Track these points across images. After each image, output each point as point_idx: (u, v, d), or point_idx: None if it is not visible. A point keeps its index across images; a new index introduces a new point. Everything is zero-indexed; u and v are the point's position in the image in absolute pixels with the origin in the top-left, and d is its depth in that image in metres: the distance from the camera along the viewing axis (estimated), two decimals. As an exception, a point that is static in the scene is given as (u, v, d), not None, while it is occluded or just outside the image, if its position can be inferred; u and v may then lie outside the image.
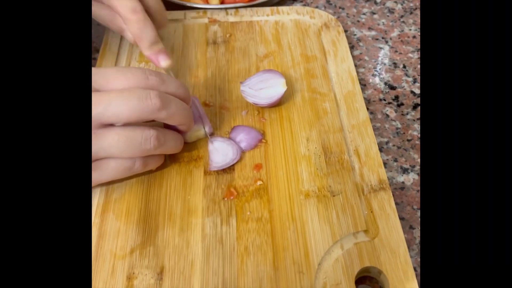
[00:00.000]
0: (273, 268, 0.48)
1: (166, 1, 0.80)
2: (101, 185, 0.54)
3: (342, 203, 0.54)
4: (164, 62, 0.59)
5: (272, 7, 0.78)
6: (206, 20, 0.76)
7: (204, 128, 0.59)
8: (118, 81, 0.49)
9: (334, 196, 0.54)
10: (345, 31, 0.78)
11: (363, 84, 0.71)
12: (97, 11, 0.61)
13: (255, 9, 0.78)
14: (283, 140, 0.60)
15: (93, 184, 0.51)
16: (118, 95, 0.47)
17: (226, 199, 0.53)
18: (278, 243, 0.50)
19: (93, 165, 0.48)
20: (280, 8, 0.78)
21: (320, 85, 0.66)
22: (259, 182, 0.55)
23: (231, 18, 0.77)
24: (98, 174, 0.49)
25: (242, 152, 0.58)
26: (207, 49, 0.71)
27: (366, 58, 0.75)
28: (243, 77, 0.67)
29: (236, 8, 0.78)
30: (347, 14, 0.84)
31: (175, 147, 0.54)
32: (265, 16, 0.77)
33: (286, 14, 0.77)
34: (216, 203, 0.53)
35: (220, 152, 0.57)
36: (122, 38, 0.73)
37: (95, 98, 0.46)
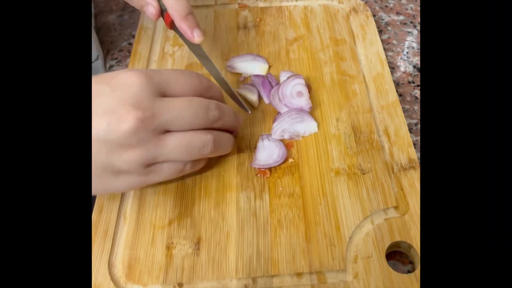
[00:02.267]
0: (305, 241, 0.50)
1: (198, -12, 0.82)
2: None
3: (372, 180, 0.55)
4: (198, 37, 0.57)
5: (301, -7, 0.79)
6: (236, 6, 0.78)
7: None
8: (179, 87, 0.49)
9: (364, 174, 0.55)
10: (373, 15, 0.78)
11: (392, 67, 0.71)
12: None
13: (284, -6, 0.79)
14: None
15: (144, 185, 0.50)
16: (186, 105, 0.47)
17: (259, 175, 0.55)
18: (310, 217, 0.51)
19: (150, 168, 0.48)
20: (309, -7, 0.79)
21: (349, 67, 0.67)
22: (290, 160, 0.56)
23: (261, 4, 0.78)
24: (152, 176, 0.49)
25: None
26: (238, 33, 0.73)
27: (394, 42, 0.76)
28: (273, 60, 0.69)
29: (266, -7, 0.79)
30: (375, -1, 0.84)
31: (228, 149, 0.55)
32: (294, 1, 0.78)
33: (315, 0, 0.78)
34: (250, 179, 0.55)
35: (266, 151, 0.57)
36: (156, 22, 0.74)
37: (165, 105, 0.46)
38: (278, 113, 0.61)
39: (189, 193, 0.54)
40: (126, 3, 0.81)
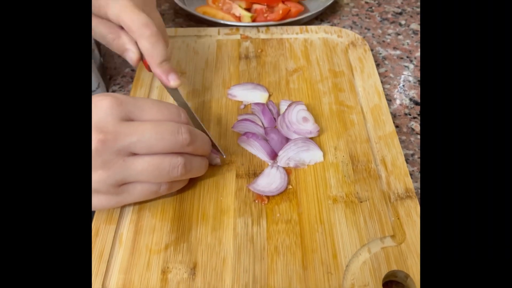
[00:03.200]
0: (302, 268, 0.48)
1: (201, 18, 0.82)
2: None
3: (369, 209, 0.53)
4: (174, 81, 0.57)
5: (301, 26, 0.79)
6: (238, 37, 0.77)
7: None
8: (152, 114, 0.48)
9: (361, 202, 0.54)
10: (371, 50, 0.78)
11: (389, 99, 0.70)
12: (97, 28, 0.57)
13: (285, 27, 0.79)
14: (312, 148, 0.60)
15: (119, 205, 0.50)
16: (152, 128, 0.47)
17: (257, 201, 0.53)
18: (307, 244, 0.50)
19: (121, 188, 0.48)
20: (309, 27, 0.79)
21: (347, 98, 0.66)
22: (289, 187, 0.55)
23: (262, 35, 0.78)
24: (125, 196, 0.49)
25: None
26: (239, 63, 0.72)
27: (391, 75, 0.75)
28: (273, 89, 0.68)
29: (267, 26, 0.79)
30: (373, 34, 0.84)
31: (200, 171, 0.53)
32: (295, 34, 0.78)
33: (315, 33, 0.78)
34: (247, 204, 0.53)
35: (269, 178, 0.56)
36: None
37: (130, 128, 0.46)
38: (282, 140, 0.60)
39: (187, 217, 0.52)
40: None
